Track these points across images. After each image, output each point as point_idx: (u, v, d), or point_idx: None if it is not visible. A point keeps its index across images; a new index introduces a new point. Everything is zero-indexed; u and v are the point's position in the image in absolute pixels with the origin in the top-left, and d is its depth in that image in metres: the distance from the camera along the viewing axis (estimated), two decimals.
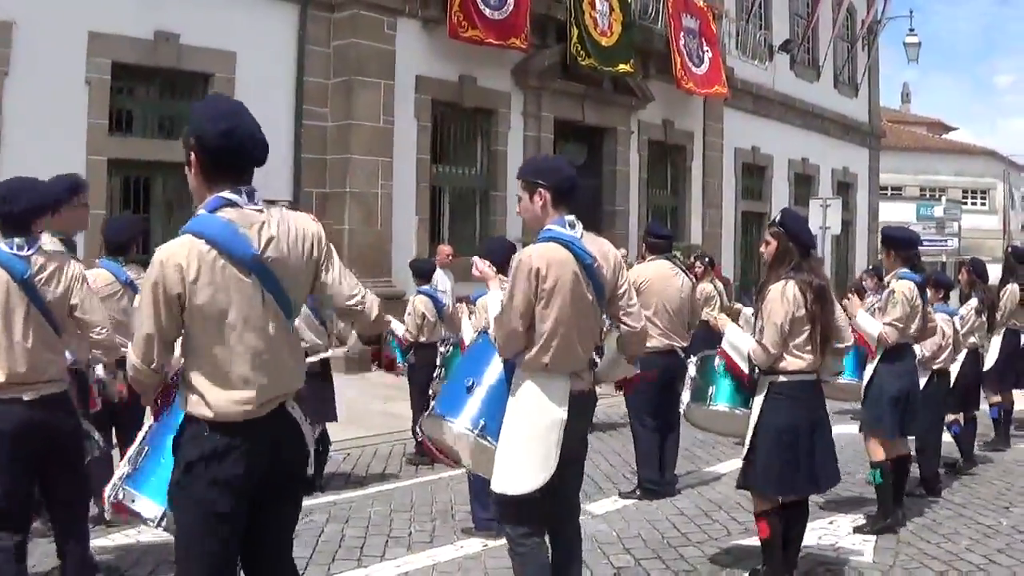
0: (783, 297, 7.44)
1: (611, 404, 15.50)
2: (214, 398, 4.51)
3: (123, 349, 6.71)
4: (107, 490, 5.09)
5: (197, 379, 4.56)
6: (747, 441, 7.66)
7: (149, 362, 4.62)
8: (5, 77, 15.69)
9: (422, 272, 13.36)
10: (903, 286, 9.48)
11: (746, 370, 7.87)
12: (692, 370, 8.68)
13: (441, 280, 15.75)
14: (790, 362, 7.52)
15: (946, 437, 12.02)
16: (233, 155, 4.57)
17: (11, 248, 6.22)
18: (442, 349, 10.89)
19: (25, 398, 6.22)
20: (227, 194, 4.55)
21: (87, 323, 6.60)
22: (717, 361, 8.28)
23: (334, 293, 4.90)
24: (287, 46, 19.54)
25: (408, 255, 19.00)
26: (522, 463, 5.94)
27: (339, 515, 9.97)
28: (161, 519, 4.92)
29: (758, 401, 7.64)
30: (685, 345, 10.87)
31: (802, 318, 7.46)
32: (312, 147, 19.77)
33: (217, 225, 4.49)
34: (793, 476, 7.52)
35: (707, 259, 18.62)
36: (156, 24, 17.40)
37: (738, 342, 7.99)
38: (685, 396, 8.65)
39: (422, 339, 12.51)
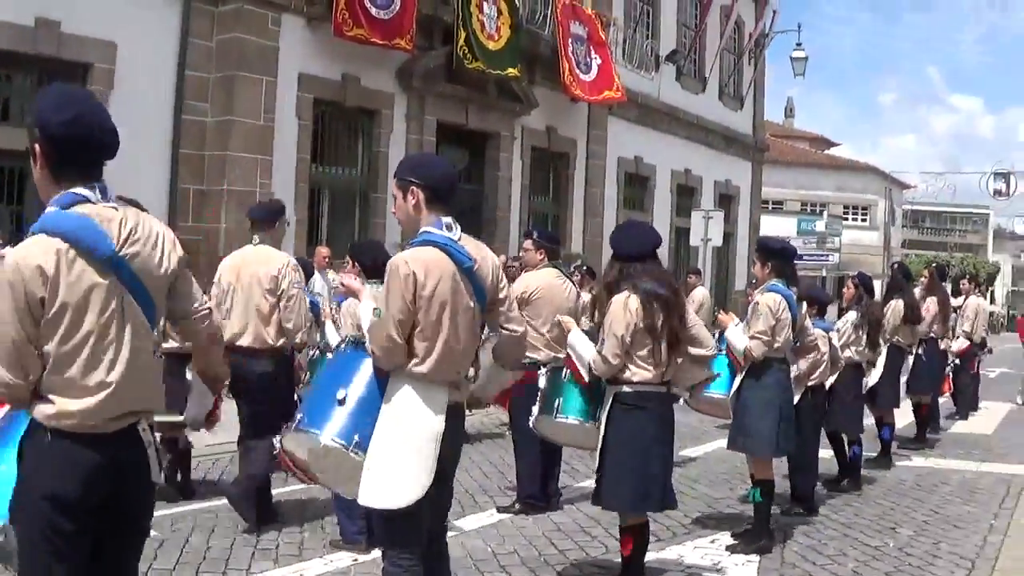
0: (625, 308, 7.65)
1: (487, 412, 16.26)
2: (61, 406, 4.32)
3: None
4: None
5: (45, 384, 4.35)
6: (597, 456, 7.84)
7: (22, 374, 4.32)
8: None
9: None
10: (768, 298, 9.68)
11: (586, 378, 7.99)
12: (542, 381, 8.76)
13: (318, 283, 15.95)
14: (635, 372, 7.71)
15: (825, 453, 12.37)
16: (80, 145, 4.40)
17: None
18: (311, 353, 10.77)
19: None
20: (79, 190, 4.39)
21: None
22: (565, 372, 8.39)
23: (184, 301, 4.80)
24: (169, 38, 19.38)
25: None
26: (398, 475, 5.77)
27: (205, 524, 9.93)
28: (1, 531, 4.84)
29: (604, 413, 7.82)
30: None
31: (644, 328, 7.64)
32: (191, 143, 19.68)
33: (73, 221, 4.32)
34: (645, 492, 7.69)
35: (586, 268, 18.91)
36: (37, 10, 17.17)
37: (581, 349, 8.11)
38: (534, 408, 8.70)
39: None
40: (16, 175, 17.34)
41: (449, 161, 6.63)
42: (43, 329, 4.28)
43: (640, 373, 7.71)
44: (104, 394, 4.35)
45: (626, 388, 7.74)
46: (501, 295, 6.19)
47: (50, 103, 4.40)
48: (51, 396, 4.33)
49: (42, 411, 4.34)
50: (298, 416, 6.18)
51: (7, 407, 5.00)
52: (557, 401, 8.41)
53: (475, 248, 6.06)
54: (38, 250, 4.26)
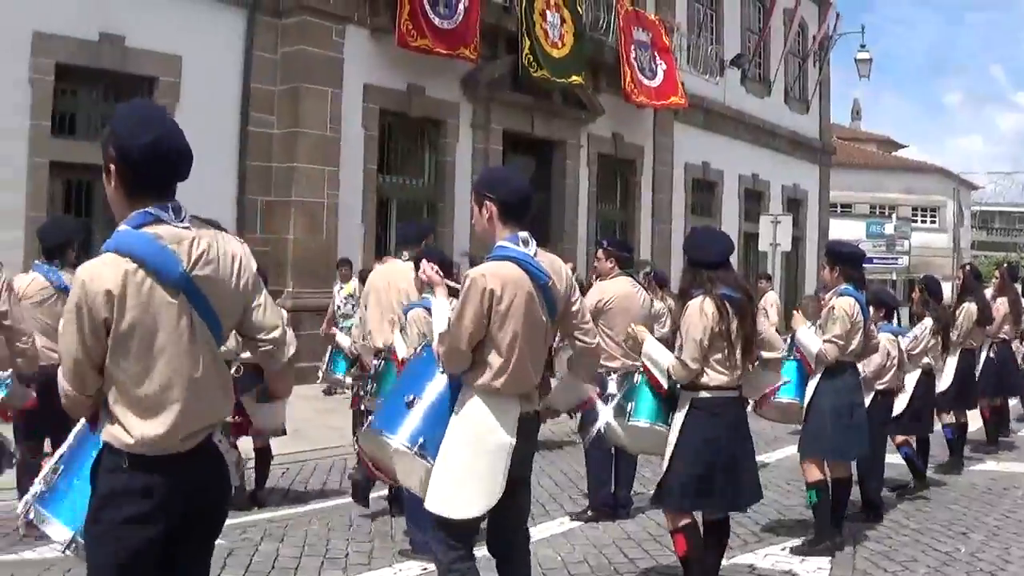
0: (701, 312, 7.46)
1: (557, 421, 15.13)
2: (135, 428, 4.21)
3: (52, 355, 6.58)
4: (19, 506, 4.90)
5: (118, 407, 4.26)
6: (666, 457, 7.65)
7: (82, 390, 4.28)
8: None
9: None
10: (843, 303, 9.43)
11: (665, 384, 7.83)
12: (612, 387, 8.77)
13: None
14: (712, 377, 7.53)
15: (897, 459, 12.05)
16: (156, 168, 4.26)
17: None
18: (374, 362, 10.59)
19: None
20: (153, 209, 4.24)
21: (15, 332, 6.53)
22: (637, 376, 8.25)
23: (256, 323, 4.62)
24: (234, 51, 19.49)
25: (354, 266, 19.06)
26: (466, 487, 5.80)
27: (275, 533, 9.82)
28: (70, 544, 4.69)
29: (679, 417, 7.64)
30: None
31: (722, 332, 7.47)
32: (257, 154, 19.72)
33: (143, 241, 4.20)
34: (709, 492, 7.51)
35: (657, 275, 18.58)
36: (101, 25, 17.31)
37: (657, 356, 7.94)
38: (606, 414, 8.51)
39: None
40: (84, 188, 17.34)
41: (523, 175, 6.64)
42: (112, 349, 4.18)
43: (716, 378, 7.53)
44: (175, 415, 4.24)
45: (703, 393, 7.54)
46: (573, 308, 6.16)
47: (127, 125, 4.25)
48: (122, 418, 4.23)
49: (113, 433, 4.24)
50: (371, 418, 6.26)
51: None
52: (629, 405, 8.25)
53: (549, 262, 6.03)
54: (107, 271, 4.15)
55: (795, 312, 10.43)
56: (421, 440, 5.91)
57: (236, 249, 4.48)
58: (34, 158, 16.56)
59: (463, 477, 5.79)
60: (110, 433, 4.25)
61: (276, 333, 4.65)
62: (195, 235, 4.32)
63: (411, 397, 6.06)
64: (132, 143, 4.17)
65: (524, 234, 5.93)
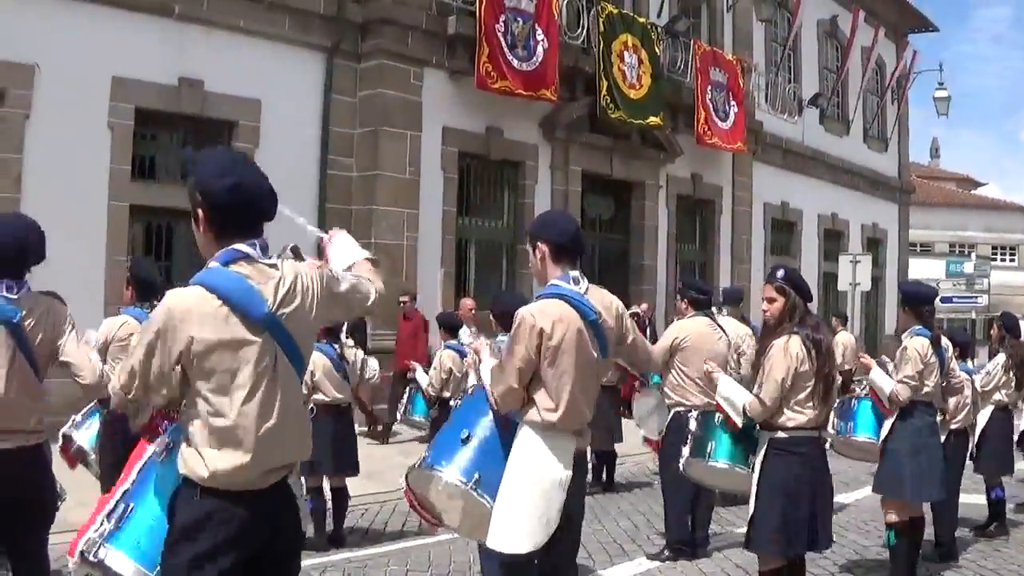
0: (786, 353, 7.39)
1: (637, 462, 16.04)
2: (211, 462, 4.24)
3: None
4: (80, 545, 4.69)
5: (197, 439, 4.30)
6: (751, 502, 7.59)
7: (126, 390, 4.39)
8: (27, 120, 15.53)
9: (449, 326, 13.32)
10: (916, 343, 9.33)
11: (739, 423, 7.79)
12: (692, 424, 8.75)
13: (465, 334, 15.53)
14: (791, 417, 7.45)
15: (974, 499, 11.88)
16: (242, 211, 4.37)
17: (0, 291, 6.03)
18: (453, 403, 10.71)
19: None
20: (242, 247, 4.35)
21: (72, 366, 6.33)
22: (718, 417, 8.22)
23: (351, 303, 4.81)
24: (313, 95, 19.39)
25: (433, 308, 18.76)
26: (522, 521, 5.77)
27: (354, 573, 9.74)
28: None
29: (759, 459, 7.59)
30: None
31: (805, 373, 7.40)
32: (337, 197, 19.56)
33: (230, 279, 4.29)
34: (794, 533, 7.42)
35: (740, 317, 18.10)
36: (181, 70, 17.33)
37: (732, 395, 7.92)
38: (684, 451, 8.65)
39: (446, 394, 12.38)
40: (164, 231, 17.32)
41: (572, 218, 6.66)
42: (195, 383, 4.27)
43: (796, 418, 7.45)
44: (252, 451, 4.26)
45: (781, 433, 7.49)
46: (629, 339, 6.31)
47: (212, 169, 4.36)
48: (200, 450, 4.26)
49: (191, 466, 4.27)
50: (423, 455, 6.23)
51: (151, 449, 4.78)
52: (710, 445, 8.36)
53: (599, 298, 6.11)
54: (192, 302, 4.24)
55: (862, 356, 10.22)
56: (476, 476, 5.89)
57: (313, 277, 4.53)
58: (113, 202, 16.48)
59: (520, 512, 5.77)
60: (187, 466, 4.28)
61: (367, 291, 4.81)
62: (280, 275, 4.38)
63: (466, 433, 6.05)
64: (216, 187, 4.28)
65: (575, 273, 6.03)
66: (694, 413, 9.03)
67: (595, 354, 5.99)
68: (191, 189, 4.41)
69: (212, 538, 4.20)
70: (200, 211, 4.36)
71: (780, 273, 7.77)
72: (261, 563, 4.36)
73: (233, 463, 4.23)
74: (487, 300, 18.24)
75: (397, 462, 14.80)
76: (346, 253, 5.21)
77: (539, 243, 6.09)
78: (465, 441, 6.02)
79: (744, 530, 10.69)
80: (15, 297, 6.04)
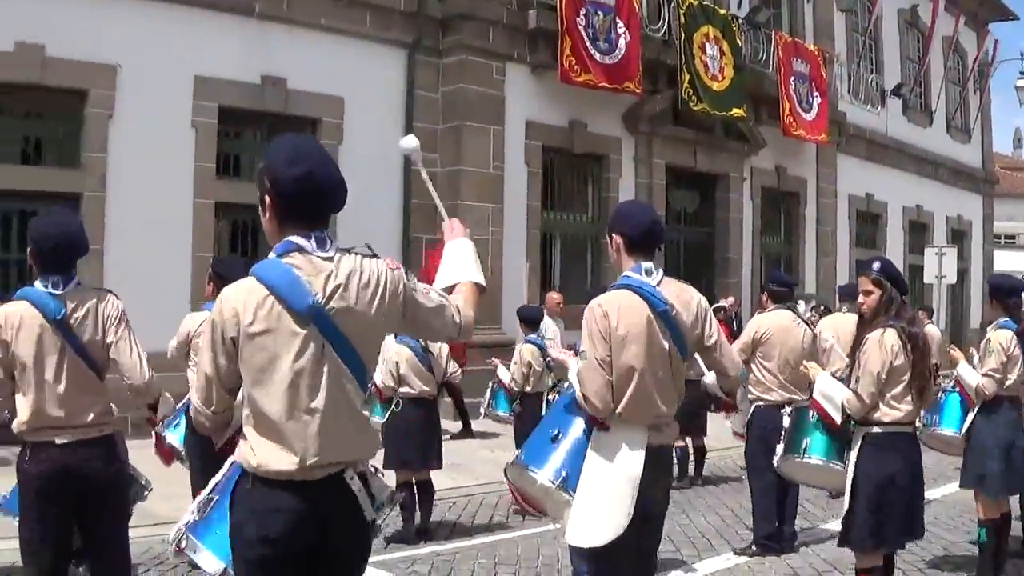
0: (881, 346, 7.24)
1: (723, 456, 15.69)
2: (258, 451, 4.19)
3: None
4: (171, 534, 4.73)
5: (248, 430, 4.27)
6: (846, 497, 7.45)
7: (207, 404, 4.35)
8: (110, 120, 15.49)
9: (530, 320, 13.04)
10: (1000, 335, 9.06)
11: (838, 420, 7.60)
12: (786, 422, 8.49)
13: (550, 328, 15.21)
14: (886, 412, 7.30)
15: None
16: (308, 200, 4.28)
17: (47, 287, 5.95)
18: (549, 397, 11.01)
19: (57, 441, 5.92)
20: (296, 239, 4.25)
21: (120, 366, 6.23)
22: (811, 413, 8.04)
23: (432, 328, 4.71)
24: (395, 91, 19.19)
25: (518, 302, 18.32)
26: (594, 515, 5.69)
27: (442, 567, 9.62)
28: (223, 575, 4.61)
29: (853, 454, 7.43)
30: (805, 399, 9.96)
31: (901, 367, 7.24)
32: (421, 192, 18.64)
33: (278, 270, 4.20)
34: (889, 529, 7.30)
35: (823, 308, 17.60)
36: (263, 68, 17.24)
37: (830, 391, 7.70)
38: (779, 448, 8.44)
39: (528, 388, 12.21)
40: (248, 227, 17.22)
41: (650, 210, 6.50)
42: (243, 372, 4.23)
43: (891, 413, 7.29)
44: (300, 442, 4.17)
45: (876, 428, 7.33)
46: (710, 341, 6.06)
47: (281, 157, 4.27)
48: (250, 439, 4.24)
49: (243, 455, 4.26)
50: (518, 452, 6.26)
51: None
52: (804, 441, 8.09)
53: (677, 292, 5.92)
54: (240, 294, 4.20)
55: (951, 349, 9.99)
56: (564, 474, 5.84)
57: (381, 276, 4.38)
58: (199, 199, 16.41)
59: (592, 506, 5.70)
60: (240, 454, 4.30)
61: (452, 315, 4.68)
62: (334, 268, 4.26)
63: (556, 432, 6.01)
64: (285, 175, 4.20)
65: (648, 264, 5.89)
66: (787, 410, 8.73)
67: (667, 345, 5.81)
68: (259, 175, 4.34)
69: (262, 527, 4.17)
70: (267, 198, 4.29)
71: (876, 265, 7.53)
72: (320, 556, 4.29)
73: (276, 454, 4.17)
74: (572, 294, 18.62)
75: (483, 456, 15.23)
76: (455, 267, 5.12)
77: (614, 235, 5.99)
78: (555, 440, 5.98)
79: (833, 525, 10.62)
80: (60, 293, 5.96)
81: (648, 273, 5.84)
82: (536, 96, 20.86)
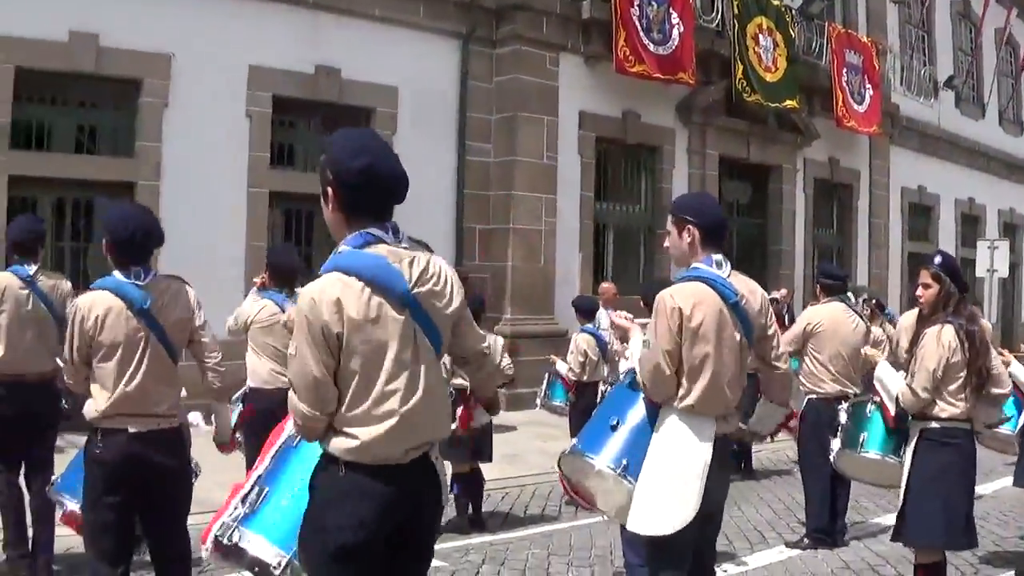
0: (939, 342, 7.16)
1: (775, 449, 15.34)
2: (358, 439, 4.17)
3: (283, 378, 7.38)
4: (214, 529, 4.80)
5: (341, 418, 4.22)
6: (901, 492, 7.38)
7: (320, 407, 4.20)
8: (165, 109, 15.32)
9: (586, 310, 12.92)
10: None
11: (892, 410, 7.59)
12: (843, 416, 8.51)
13: (604, 319, 14.94)
14: (943, 408, 7.21)
15: None
16: (372, 191, 4.27)
17: (128, 277, 5.97)
18: (603, 388, 11.00)
19: (131, 430, 5.93)
20: (375, 231, 4.26)
21: (203, 347, 6.37)
22: (870, 407, 8.09)
23: (467, 340, 4.67)
24: (449, 81, 18.89)
25: (571, 292, 18.17)
26: (662, 504, 5.63)
27: (496, 556, 9.57)
28: (285, 567, 4.62)
29: (910, 450, 7.37)
30: (857, 392, 10.03)
31: (958, 364, 7.15)
32: (475, 183, 19.03)
33: (368, 260, 4.20)
34: (946, 525, 7.19)
35: (875, 301, 17.23)
36: (317, 58, 17.02)
37: (888, 381, 7.67)
38: (835, 443, 8.48)
39: (584, 378, 12.12)
40: (303, 217, 17.10)
41: (717, 200, 6.55)
42: (342, 364, 4.18)
43: (948, 409, 7.20)
44: (400, 427, 4.20)
45: (934, 424, 7.24)
46: (768, 331, 6.04)
47: (344, 149, 4.28)
48: (348, 429, 4.20)
49: (338, 445, 4.21)
50: (573, 442, 6.19)
51: (286, 433, 4.95)
52: (862, 436, 8.12)
53: (743, 284, 5.91)
54: (333, 289, 4.15)
55: (1002, 351, 9.54)
56: (624, 462, 5.79)
57: (448, 271, 4.47)
58: (253, 188, 16.25)
59: (660, 495, 5.65)
60: (333, 443, 4.23)
61: (487, 341, 4.79)
62: (414, 256, 4.31)
63: (615, 420, 5.96)
64: (348, 167, 4.20)
65: (718, 256, 5.83)
66: (844, 405, 8.69)
67: (738, 336, 5.78)
68: (322, 167, 4.35)
69: (356, 512, 4.16)
70: (330, 190, 4.29)
71: (937, 260, 7.42)
72: (403, 536, 4.31)
73: (375, 439, 4.16)
74: (625, 285, 18.49)
75: (535, 446, 15.00)
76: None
77: (689, 226, 5.84)
78: (614, 428, 5.93)
79: (884, 519, 10.83)
80: (144, 283, 5.98)
81: (719, 265, 5.78)
82: (589, 87, 20.48)
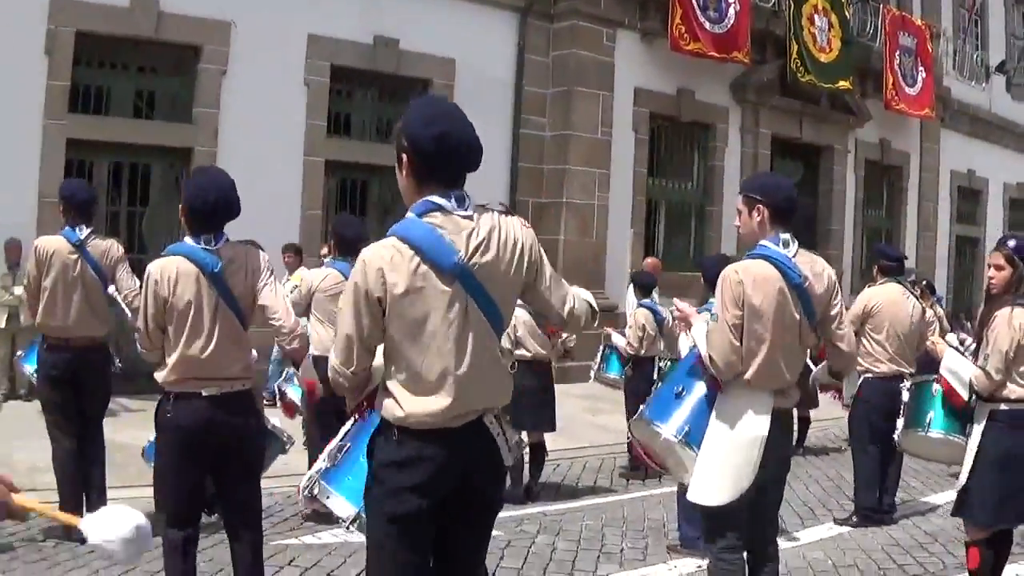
0: (1010, 323, 6.98)
1: (824, 428, 15.33)
2: (406, 404, 4.19)
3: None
4: (302, 483, 4.93)
5: (392, 384, 4.26)
6: (965, 469, 7.19)
7: (348, 364, 4.30)
8: (223, 76, 15.13)
9: (644, 285, 12.49)
10: None
11: (965, 397, 7.33)
12: (906, 396, 8.43)
13: (631, 301, 14.63)
14: (1012, 390, 7.03)
15: None
16: (446, 159, 4.21)
17: (199, 242, 5.87)
18: (661, 364, 10.93)
19: (204, 394, 5.83)
20: (436, 198, 4.20)
21: (268, 309, 6.14)
22: (935, 388, 7.90)
23: (547, 301, 4.55)
24: (506, 54, 18.48)
25: (622, 267, 17.94)
26: (718, 475, 5.67)
27: (550, 527, 9.48)
28: (354, 520, 4.70)
29: (977, 429, 7.18)
30: (912, 372, 9.86)
31: None
32: (529, 157, 18.65)
33: (422, 230, 4.17)
34: (1010, 505, 7.02)
35: (924, 283, 16.78)
36: (375, 29, 16.72)
37: (958, 368, 7.44)
38: (899, 422, 8.37)
39: (641, 353, 11.79)
40: (358, 186, 16.98)
41: (790, 181, 6.42)
42: (391, 329, 4.21)
43: (1018, 391, 7.00)
44: (446, 394, 4.17)
45: (1003, 406, 7.03)
46: (832, 311, 5.88)
47: (420, 117, 4.24)
48: (395, 393, 4.23)
49: (389, 410, 4.25)
50: (643, 407, 6.18)
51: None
52: (928, 415, 8.00)
53: (810, 263, 5.81)
54: (384, 252, 4.18)
55: None
56: (687, 429, 5.84)
57: (518, 234, 4.37)
58: (309, 156, 16.03)
59: (716, 466, 5.68)
60: (384, 407, 4.28)
61: (571, 301, 4.59)
62: (475, 225, 4.24)
63: (680, 388, 6.01)
64: (423, 134, 4.17)
65: (786, 236, 5.78)
66: (907, 384, 8.58)
67: (798, 317, 5.69)
68: (397, 135, 4.28)
69: (408, 477, 4.18)
70: (404, 157, 4.25)
71: (1011, 243, 7.22)
72: (460, 501, 4.31)
73: (425, 406, 4.18)
74: (675, 262, 18.31)
75: (586, 420, 14.93)
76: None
77: (760, 205, 5.78)
78: (679, 396, 5.96)
79: (933, 498, 11.10)
80: (214, 248, 5.89)
81: (785, 245, 5.72)
82: (645, 63, 20.04)
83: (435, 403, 4.19)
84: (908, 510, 10.68)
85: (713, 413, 5.83)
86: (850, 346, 6.10)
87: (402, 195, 4.35)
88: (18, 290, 12.73)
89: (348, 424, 4.95)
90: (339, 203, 16.77)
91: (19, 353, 10.30)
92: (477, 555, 4.60)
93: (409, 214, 4.27)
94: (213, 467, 6.01)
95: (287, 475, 9.04)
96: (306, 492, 4.90)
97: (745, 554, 5.93)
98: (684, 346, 10.39)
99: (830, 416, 14.60)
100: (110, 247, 8.18)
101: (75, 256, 7.91)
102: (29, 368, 8.73)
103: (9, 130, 13.33)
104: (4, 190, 13.07)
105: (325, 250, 9.35)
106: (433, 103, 4.57)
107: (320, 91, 16.20)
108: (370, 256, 4.21)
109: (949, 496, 10.17)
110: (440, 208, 4.20)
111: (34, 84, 13.68)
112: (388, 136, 16.81)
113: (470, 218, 4.25)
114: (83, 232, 7.95)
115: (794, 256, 5.73)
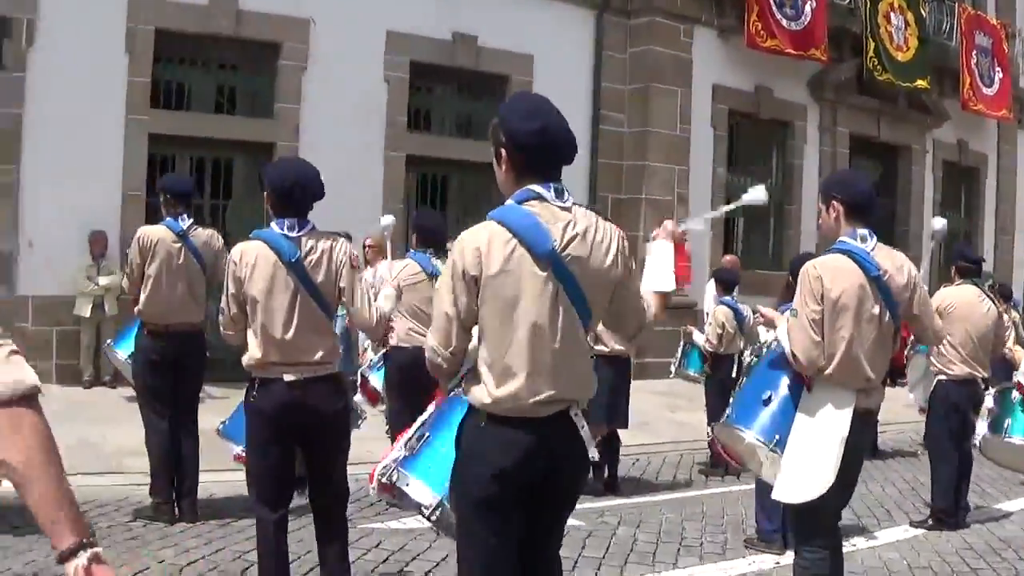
0: None
1: (900, 430, 15.16)
2: (494, 390, 4.17)
3: (419, 337, 7.66)
4: (377, 469, 4.86)
5: (481, 369, 4.23)
6: None
7: (446, 345, 4.26)
8: (303, 73, 15.17)
9: (726, 282, 12.41)
10: None
11: None
12: (990, 401, 8.41)
13: (710, 290, 14.34)
14: None
15: None
16: (544, 154, 4.24)
17: (282, 229, 5.89)
18: (748, 358, 9.67)
19: (286, 378, 5.85)
20: (536, 187, 4.22)
21: (347, 308, 6.31)
22: (1015, 394, 7.98)
23: (624, 307, 4.51)
24: (584, 51, 18.33)
25: (701, 265, 17.43)
26: (805, 472, 5.60)
27: (630, 519, 9.48)
28: (435, 508, 4.68)
29: None
30: (987, 375, 9.85)
31: None
32: (608, 153, 18.44)
33: (520, 215, 4.18)
34: None
35: (999, 286, 16.38)
36: (454, 25, 16.64)
37: None
38: (981, 427, 8.37)
39: (721, 350, 11.75)
40: (438, 181, 16.99)
41: (868, 177, 6.32)
42: (483, 312, 4.20)
43: None
44: (529, 380, 4.14)
45: None
46: (917, 309, 5.86)
47: (518, 112, 4.30)
48: (483, 378, 4.21)
49: (476, 396, 4.25)
50: (727, 411, 6.17)
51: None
52: (1006, 421, 8.05)
53: (890, 258, 5.76)
54: (482, 234, 4.19)
55: None
56: (777, 437, 5.74)
57: (612, 236, 4.36)
58: (390, 152, 16.02)
59: (800, 464, 5.63)
60: (472, 393, 4.27)
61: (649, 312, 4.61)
62: (572, 217, 4.25)
63: (768, 394, 5.87)
64: (521, 129, 4.20)
65: (863, 231, 5.74)
66: (991, 389, 8.58)
67: (878, 310, 5.63)
68: (495, 129, 4.30)
69: (494, 463, 4.17)
70: (503, 151, 4.27)
71: None
72: (544, 489, 4.28)
73: (510, 391, 4.15)
74: (753, 259, 18.25)
75: (666, 416, 14.96)
76: (653, 275, 4.80)
77: (834, 201, 5.78)
78: (767, 403, 5.87)
79: (1007, 505, 10.78)
80: (296, 235, 5.90)
81: (863, 239, 5.68)
82: (722, 60, 19.81)
83: (520, 391, 4.16)
84: (983, 516, 10.51)
85: (799, 411, 5.76)
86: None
87: (501, 189, 4.35)
88: (103, 280, 12.81)
89: (426, 414, 4.96)
90: (419, 198, 16.75)
91: (108, 342, 10.37)
92: (555, 544, 4.59)
93: (508, 202, 4.28)
94: (301, 447, 6.06)
95: (373, 462, 8.86)
96: (383, 479, 4.83)
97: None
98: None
99: (908, 419, 14.41)
100: (211, 237, 8.42)
101: (179, 245, 8.12)
102: (123, 354, 8.92)
103: (93, 126, 13.47)
104: (89, 184, 13.25)
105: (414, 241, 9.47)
106: (529, 98, 4.55)
107: (400, 86, 16.17)
108: (468, 237, 4.23)
109: (1023, 504, 10.59)
110: (539, 196, 4.22)
111: (116, 81, 13.79)
112: (468, 132, 17.03)
113: (568, 210, 4.25)
114: (185, 222, 8.17)
115: (872, 250, 5.66)
